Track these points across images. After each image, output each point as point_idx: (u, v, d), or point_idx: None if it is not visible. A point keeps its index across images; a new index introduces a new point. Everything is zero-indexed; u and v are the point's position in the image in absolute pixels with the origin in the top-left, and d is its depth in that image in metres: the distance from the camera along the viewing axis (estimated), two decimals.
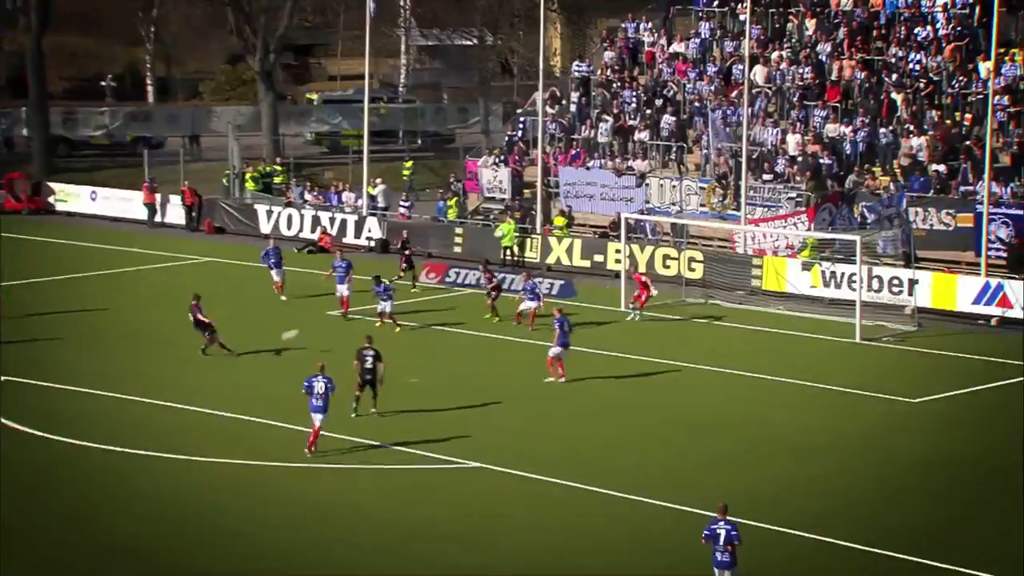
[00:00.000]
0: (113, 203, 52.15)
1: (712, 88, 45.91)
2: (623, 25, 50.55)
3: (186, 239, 48.10)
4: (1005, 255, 37.97)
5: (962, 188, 39.80)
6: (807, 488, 24.55)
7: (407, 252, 40.42)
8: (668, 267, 40.02)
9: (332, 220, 47.05)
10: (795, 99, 44.39)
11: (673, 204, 43.71)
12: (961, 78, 42.03)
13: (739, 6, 46.45)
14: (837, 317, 36.21)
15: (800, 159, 42.64)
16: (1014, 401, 29.91)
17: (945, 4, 43.41)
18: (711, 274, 39.45)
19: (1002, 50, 40.03)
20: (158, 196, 50.77)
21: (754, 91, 43.95)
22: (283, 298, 38.27)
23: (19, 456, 25.89)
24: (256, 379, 31.00)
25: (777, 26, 46.85)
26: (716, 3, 48.17)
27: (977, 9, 42.63)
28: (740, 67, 44.63)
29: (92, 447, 26.13)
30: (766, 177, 42.79)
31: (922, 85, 42.48)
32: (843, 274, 37.69)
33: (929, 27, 43.41)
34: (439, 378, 31.19)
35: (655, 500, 23.59)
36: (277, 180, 51.56)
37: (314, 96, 71.07)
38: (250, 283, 40.69)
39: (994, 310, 36.11)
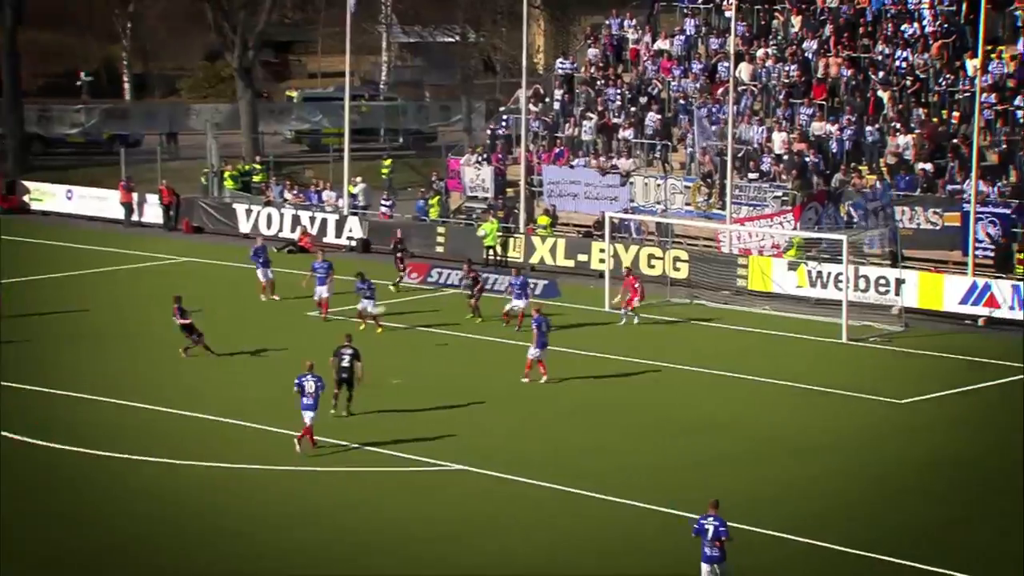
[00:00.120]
0: (89, 202, 51.62)
1: (697, 86, 45.63)
2: (607, 22, 50.25)
3: (164, 239, 47.70)
4: (992, 254, 37.76)
5: (949, 187, 39.60)
6: (798, 490, 24.41)
7: (400, 253, 40.03)
8: (653, 267, 39.73)
9: (312, 219, 46.58)
10: (781, 97, 44.15)
11: (658, 203, 43.46)
12: (948, 76, 41.82)
13: (724, 3, 46.21)
14: (823, 317, 36.01)
15: (786, 157, 42.40)
16: (1002, 402, 29.83)
17: (932, 1, 43.18)
18: (696, 274, 39.18)
19: (989, 47, 39.84)
20: (135, 195, 50.26)
21: (739, 89, 43.70)
22: (275, 297, 37.81)
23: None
24: (235, 381, 30.67)
25: (763, 23, 46.62)
26: (701, 0, 47.89)
27: (964, 6, 42.45)
28: (725, 64, 44.38)
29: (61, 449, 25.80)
30: (752, 176, 42.56)
31: (909, 83, 42.28)
32: (829, 274, 37.47)
33: (916, 24, 43.20)
34: (422, 379, 30.91)
35: (640, 503, 23.39)
36: (256, 179, 51.12)
37: (294, 93, 70.53)
38: (230, 283, 40.35)
39: (981, 310, 35.92)
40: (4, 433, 26.71)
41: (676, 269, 39.48)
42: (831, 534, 22.11)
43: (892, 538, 22.15)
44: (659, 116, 45.42)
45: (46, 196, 52.65)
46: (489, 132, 50.12)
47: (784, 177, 42.12)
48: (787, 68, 44.35)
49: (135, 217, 50.20)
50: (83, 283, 41.10)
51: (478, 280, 36.58)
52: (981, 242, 37.51)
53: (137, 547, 21.68)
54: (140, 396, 29.08)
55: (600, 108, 46.99)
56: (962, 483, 24.97)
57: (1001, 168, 39.66)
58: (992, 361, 32.55)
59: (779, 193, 41.69)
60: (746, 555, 20.52)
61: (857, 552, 21.54)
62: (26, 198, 52.80)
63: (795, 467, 25.53)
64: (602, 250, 39.89)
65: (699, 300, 38.19)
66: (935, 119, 41.28)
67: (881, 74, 42.78)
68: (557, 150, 46.63)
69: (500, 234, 42.70)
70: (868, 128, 41.80)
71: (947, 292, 36.46)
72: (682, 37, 47.61)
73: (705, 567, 19.45)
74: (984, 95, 39.01)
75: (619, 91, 47.01)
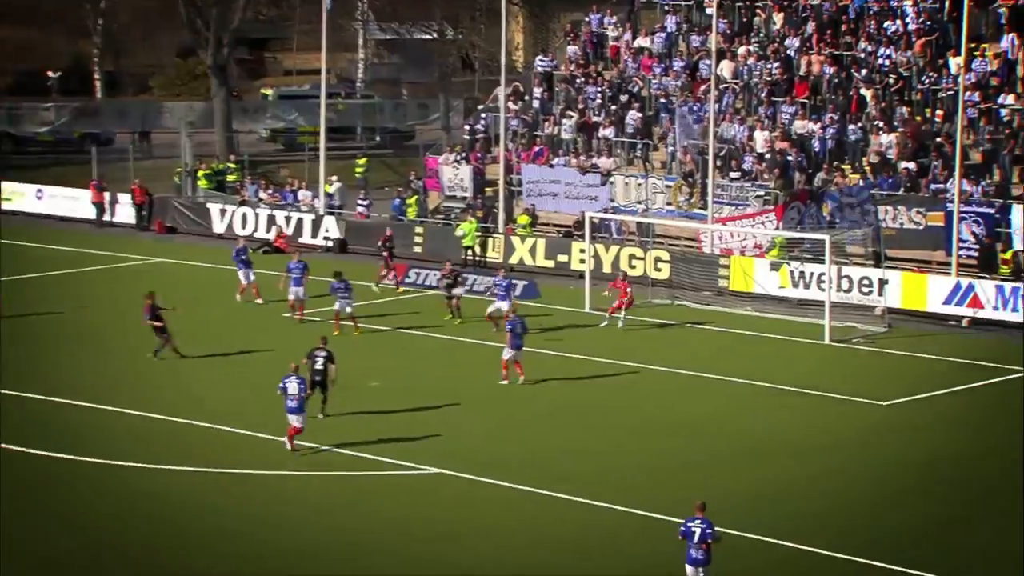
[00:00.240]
0: (60, 202, 50.95)
1: (678, 84, 45.24)
2: (587, 18, 49.89)
3: (136, 239, 47.12)
4: (976, 254, 37.48)
5: (932, 186, 39.32)
6: (778, 492, 24.21)
7: (387, 252, 39.47)
8: (634, 267, 39.30)
9: (288, 219, 45.98)
10: (763, 95, 43.82)
11: (639, 202, 43.10)
12: (931, 74, 41.55)
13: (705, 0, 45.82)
14: (806, 318, 35.69)
15: (768, 156, 42.07)
16: (987, 403, 29.69)
17: None
18: (677, 274, 38.80)
19: (972, 45, 39.58)
20: (107, 195, 49.61)
21: (721, 87, 43.35)
22: (259, 301, 37.00)
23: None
24: (204, 382, 30.25)
25: (744, 20, 46.32)
26: None
27: (947, 3, 42.20)
28: (707, 62, 44.03)
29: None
30: (733, 175, 42.24)
31: (892, 81, 41.99)
32: (812, 274, 37.13)
33: (899, 21, 42.95)
34: (400, 381, 30.58)
35: (620, 506, 23.14)
36: (231, 178, 50.58)
37: (269, 91, 69.86)
38: (204, 284, 39.87)
39: (965, 311, 35.63)
40: None
41: (657, 270, 39.08)
42: (817, 538, 21.84)
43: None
44: (640, 114, 45.05)
45: (15, 196, 51.91)
46: (468, 130, 49.66)
47: (766, 176, 41.79)
48: (769, 66, 44.03)
49: (107, 217, 49.56)
50: (54, 284, 40.49)
51: (459, 280, 36.03)
52: (965, 242, 37.27)
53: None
54: (109, 399, 28.63)
55: (580, 106, 46.57)
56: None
57: (985, 167, 39.41)
58: (977, 362, 32.33)
59: (761, 192, 41.38)
60: (732, 559, 20.25)
61: (845, 556, 21.28)
62: None
63: (776, 470, 25.30)
64: (582, 250, 39.46)
65: (681, 301, 37.77)
66: (918, 117, 41.01)
67: (864, 72, 42.49)
68: (537, 149, 46.22)
69: (479, 234, 42.22)
70: (851, 127, 41.50)
71: (931, 292, 36.21)
72: (663, 34, 47.24)
73: (690, 569, 19.28)
74: (967, 93, 38.73)
75: (599, 89, 46.61)
